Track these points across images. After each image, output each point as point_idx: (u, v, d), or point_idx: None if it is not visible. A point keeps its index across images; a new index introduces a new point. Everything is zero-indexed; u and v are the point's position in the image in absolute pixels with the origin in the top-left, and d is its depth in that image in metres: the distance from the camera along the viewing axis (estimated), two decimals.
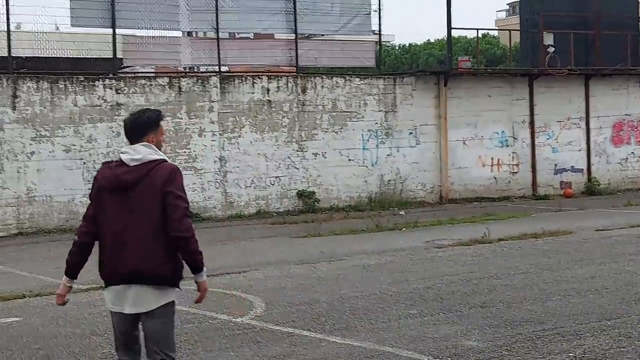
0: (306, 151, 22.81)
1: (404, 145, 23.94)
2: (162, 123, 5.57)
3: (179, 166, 5.54)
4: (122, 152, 5.45)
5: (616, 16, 26.77)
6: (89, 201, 5.59)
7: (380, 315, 9.18)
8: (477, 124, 24.84)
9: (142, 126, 5.46)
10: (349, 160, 23.33)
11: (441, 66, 31.20)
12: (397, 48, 65.44)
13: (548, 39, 25.54)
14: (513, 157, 25.45)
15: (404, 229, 18.04)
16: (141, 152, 5.37)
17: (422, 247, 14.85)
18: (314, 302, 10.07)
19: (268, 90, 22.43)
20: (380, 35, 24.88)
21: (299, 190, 22.65)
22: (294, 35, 23.16)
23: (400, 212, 21.65)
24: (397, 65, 56.27)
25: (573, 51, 25.59)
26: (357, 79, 23.63)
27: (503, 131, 25.28)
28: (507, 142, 25.36)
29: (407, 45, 66.32)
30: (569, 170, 26.22)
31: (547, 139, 25.91)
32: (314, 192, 22.73)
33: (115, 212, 5.32)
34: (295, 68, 23.28)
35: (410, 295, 10.28)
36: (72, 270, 5.52)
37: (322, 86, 23.06)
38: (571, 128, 26.24)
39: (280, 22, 23.23)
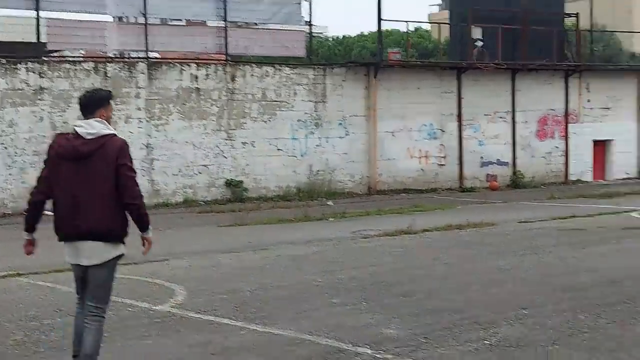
0: (235, 140, 22.71)
1: (333, 136, 24.02)
2: (111, 102, 6.43)
3: None
4: (77, 126, 6.18)
5: (543, 13, 27.24)
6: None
7: (303, 305, 9.18)
8: (406, 115, 25.05)
9: (95, 102, 6.25)
10: (278, 150, 23.30)
11: (372, 58, 31.32)
12: (330, 39, 65.44)
13: (477, 33, 25.89)
14: (441, 150, 25.73)
15: (331, 219, 18.09)
16: (95, 127, 6.14)
17: (348, 238, 14.91)
18: (237, 291, 10.03)
19: (197, 77, 22.26)
20: (310, 25, 24.88)
21: (227, 180, 22.55)
22: (224, 22, 23.01)
23: (329, 203, 21.72)
24: (330, 56, 56.22)
25: (501, 46, 25.95)
26: (287, 69, 23.61)
27: (431, 123, 25.54)
28: (435, 134, 25.63)
29: (341, 37, 66.39)
30: (495, 163, 26.62)
31: (474, 132, 26.25)
32: (242, 182, 22.66)
33: (72, 178, 6.09)
34: (225, 56, 23.13)
35: (334, 285, 10.30)
36: (30, 225, 6.36)
37: (252, 75, 22.98)
38: (498, 122, 26.64)
39: (210, 9, 23.08)
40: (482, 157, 26.43)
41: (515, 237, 14.44)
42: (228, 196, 22.49)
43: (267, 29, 24.39)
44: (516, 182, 26.50)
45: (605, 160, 28.92)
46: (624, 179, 28.52)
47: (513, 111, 26.79)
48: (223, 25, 23.10)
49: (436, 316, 8.47)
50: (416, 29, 61.67)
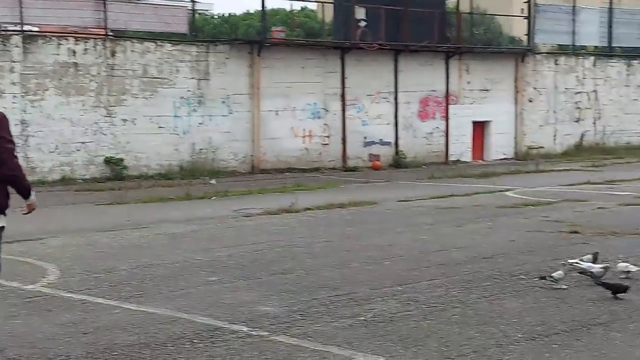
0: (115, 117, 22.24)
1: (216, 114, 23.81)
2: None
3: None
4: None
5: None
6: None
7: (180, 283, 9.07)
8: (290, 94, 25.04)
9: None
10: (160, 127, 22.95)
11: (256, 36, 31.16)
12: (216, 17, 64.83)
13: (360, 13, 26.04)
14: (324, 129, 25.86)
15: (214, 197, 17.95)
16: None
17: (230, 216, 14.82)
18: (113, 270, 9.83)
19: (75, 52, 21.66)
20: (194, 1, 24.54)
21: (107, 157, 22.09)
22: None
23: (212, 181, 21.55)
24: (215, 34, 55.75)
25: (384, 27, 26.21)
26: (169, 45, 23.25)
27: (315, 103, 25.62)
28: (319, 114, 25.73)
29: (227, 14, 65.86)
30: (377, 143, 26.94)
31: (358, 112, 26.48)
32: (122, 159, 22.23)
33: None
34: (104, 30, 22.57)
35: (213, 263, 10.22)
36: None
37: (133, 50, 22.51)
38: (381, 102, 26.94)
39: None
40: (365, 137, 26.69)
41: (395, 216, 14.65)
42: (108, 174, 22.03)
43: (148, 4, 23.93)
44: (398, 162, 26.89)
45: (484, 141, 29.65)
46: (501, 159, 29.32)
47: (396, 92, 27.14)
48: None
49: (313, 293, 8.50)
50: (302, 9, 61.80)
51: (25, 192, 6.53)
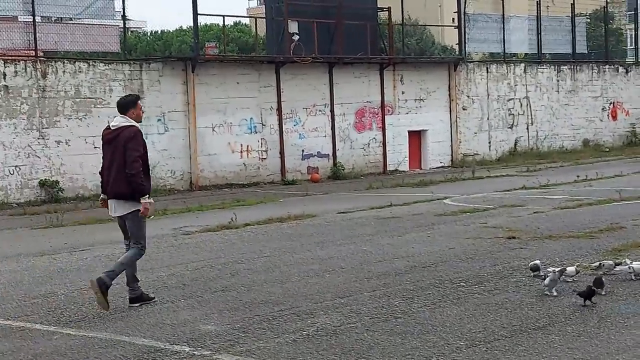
0: (48, 139, 21.90)
1: (152, 132, 23.59)
2: (140, 102, 8.96)
3: None
4: (112, 121, 8.93)
5: (357, 7, 27.83)
6: None
7: (120, 305, 8.96)
8: (226, 110, 24.96)
9: (125, 105, 8.90)
10: (95, 148, 22.55)
11: (190, 53, 31.02)
12: (148, 34, 64.39)
13: (293, 27, 26.10)
14: (262, 144, 25.82)
15: (152, 216, 17.68)
16: (118, 121, 8.83)
17: (169, 235, 14.70)
18: (51, 295, 9.68)
19: (5, 75, 21.28)
20: (125, 19, 24.33)
21: (41, 180, 21.72)
22: (32, 17, 22.09)
23: (149, 200, 21.27)
24: (148, 51, 55.35)
25: (317, 40, 26.32)
26: (102, 64, 23.00)
27: (252, 118, 25.57)
28: (255, 128, 25.68)
29: (159, 31, 65.42)
30: (315, 155, 26.99)
31: (294, 125, 26.51)
32: (57, 182, 21.88)
33: (106, 157, 8.89)
34: (34, 52, 22.22)
35: (153, 283, 10.11)
36: (103, 189, 9.05)
37: (64, 71, 22.22)
38: (317, 115, 27.01)
39: (18, 4, 22.12)
40: (303, 150, 26.73)
41: (335, 228, 14.68)
42: (43, 197, 21.66)
43: (78, 23, 23.62)
44: (337, 174, 26.97)
45: (421, 150, 29.92)
46: (438, 167, 29.59)
47: (332, 104, 27.23)
48: (30, 21, 22.15)
49: (255, 309, 8.47)
50: (236, 24, 61.73)
51: (138, 190, 8.62)
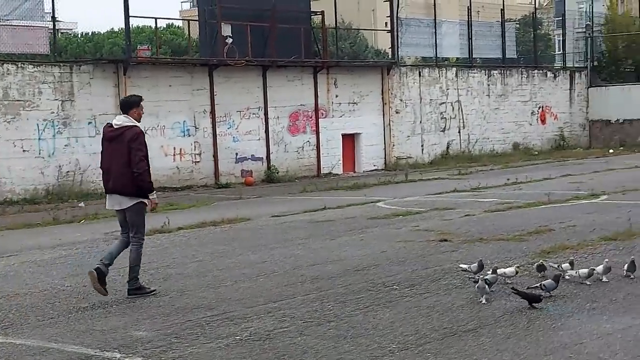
0: None
1: (83, 135, 23.27)
2: (142, 103, 9.53)
3: None
4: (114, 120, 9.44)
5: (291, 10, 27.85)
6: None
7: (49, 311, 8.82)
8: (158, 113, 24.71)
9: (127, 105, 9.48)
10: (24, 151, 22.25)
11: (121, 55, 30.69)
12: (79, 36, 63.49)
13: (226, 30, 25.99)
14: (195, 147, 25.66)
15: (83, 221, 17.53)
16: (120, 120, 9.35)
17: (101, 239, 14.50)
18: None
19: None
20: (54, 21, 23.92)
21: None
22: None
23: (80, 204, 21.02)
24: (79, 53, 54.56)
25: (251, 43, 26.26)
26: (31, 66, 22.59)
27: (185, 121, 25.38)
28: (189, 131, 25.51)
29: (90, 33, 64.56)
30: (249, 159, 26.91)
31: (228, 128, 26.40)
32: None
33: (107, 153, 9.40)
34: None
35: (83, 289, 9.97)
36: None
37: None
38: (251, 118, 26.94)
39: None
40: (236, 153, 26.63)
41: (269, 231, 14.65)
42: None
43: (6, 25, 23.14)
44: (271, 177, 26.93)
45: (355, 153, 30.06)
46: (372, 170, 29.77)
47: (265, 107, 27.19)
48: None
49: (188, 314, 8.41)
50: (168, 26, 61.26)
51: (145, 188, 9.19)
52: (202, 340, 7.39)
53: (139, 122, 9.38)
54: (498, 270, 8.92)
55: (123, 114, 9.39)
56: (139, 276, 9.51)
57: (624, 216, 13.83)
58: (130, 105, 9.42)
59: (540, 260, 9.52)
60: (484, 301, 8.23)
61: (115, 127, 9.29)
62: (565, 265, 9.19)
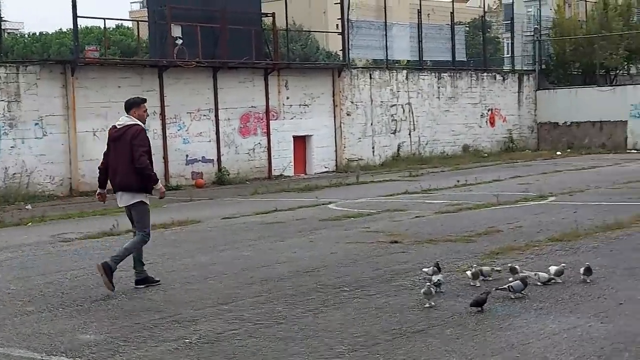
0: None
1: (29, 136, 22.93)
2: (144, 105, 10.01)
3: None
4: (117, 121, 9.98)
5: (241, 12, 27.76)
6: None
7: None
8: (107, 115, 24.35)
9: (128, 105, 9.96)
10: None
11: (69, 55, 30.31)
12: (26, 36, 62.59)
13: (176, 31, 25.82)
14: None
15: (29, 224, 17.27)
16: (123, 120, 9.87)
17: (47, 242, 14.30)
18: None
19: None
20: (0, 20, 23.56)
21: None
22: None
23: (27, 207, 20.70)
24: (26, 53, 53.77)
25: (201, 44, 26.13)
26: None
27: None
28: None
29: (38, 33, 63.68)
30: (200, 160, 26.76)
31: (178, 130, 26.23)
32: None
33: (113, 152, 9.85)
34: None
35: (29, 292, 9.84)
36: (101, 184, 10.23)
37: None
38: (201, 119, 26.79)
39: None
40: (187, 155, 26.45)
41: (219, 233, 14.59)
42: None
43: None
44: (222, 179, 26.80)
45: (306, 155, 30.06)
46: (323, 172, 29.79)
47: (216, 109, 27.05)
48: None
49: (135, 317, 8.33)
50: (118, 27, 60.67)
51: (149, 182, 9.74)
52: (150, 344, 7.33)
53: (142, 122, 9.88)
54: (430, 282, 8.82)
55: (126, 114, 9.89)
56: (146, 271, 10.11)
57: (570, 217, 14.06)
58: (130, 105, 9.92)
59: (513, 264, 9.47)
60: (428, 305, 8.20)
61: (118, 127, 9.83)
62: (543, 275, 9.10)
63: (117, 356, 6.99)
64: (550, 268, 9.15)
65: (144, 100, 10.13)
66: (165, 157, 25.72)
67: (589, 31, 39.41)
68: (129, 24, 61.49)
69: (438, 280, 8.78)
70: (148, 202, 9.90)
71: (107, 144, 9.99)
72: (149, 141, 9.88)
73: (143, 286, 9.81)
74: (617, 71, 40.22)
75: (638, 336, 6.94)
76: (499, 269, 9.58)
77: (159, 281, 10.03)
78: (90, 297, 9.48)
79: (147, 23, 29.12)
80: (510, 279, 8.99)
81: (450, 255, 10.98)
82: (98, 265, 9.68)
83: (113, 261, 9.66)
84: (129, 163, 9.63)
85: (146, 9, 31.22)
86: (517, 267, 9.20)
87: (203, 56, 26.27)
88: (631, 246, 11.28)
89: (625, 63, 40.10)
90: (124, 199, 9.88)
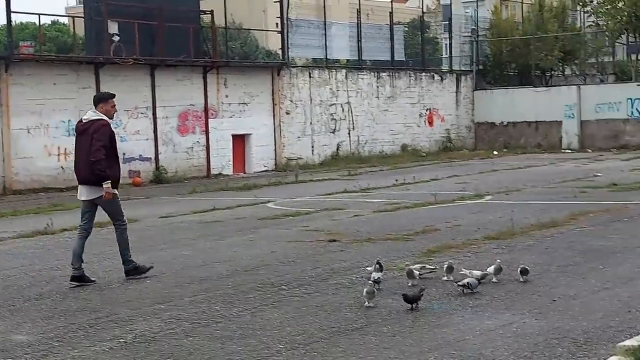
0: None
1: None
2: (112, 100, 10.17)
3: None
4: (84, 115, 10.23)
5: (179, 9, 27.56)
6: None
7: None
8: (42, 112, 24.06)
9: (96, 100, 10.21)
10: None
11: (3, 52, 29.70)
12: None
13: (113, 27, 25.52)
14: None
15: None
16: (89, 115, 10.08)
17: None
18: None
19: None
20: None
21: None
22: None
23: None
24: None
25: (138, 41, 25.86)
26: None
27: (70, 120, 24.67)
28: (74, 131, 24.81)
29: None
30: (137, 159, 26.47)
31: (116, 128, 25.51)
32: None
33: (77, 146, 10.07)
34: None
35: None
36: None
37: None
38: (139, 117, 26.51)
39: None
40: (124, 153, 26.05)
41: (157, 232, 14.46)
42: None
43: None
44: (159, 178, 26.55)
45: (245, 153, 29.96)
46: (262, 171, 29.72)
47: (154, 107, 26.80)
48: None
49: (71, 317, 8.21)
50: (54, 22, 59.78)
51: (98, 177, 9.77)
52: (85, 344, 7.22)
53: (109, 117, 10.05)
54: (372, 280, 8.87)
55: (93, 110, 10.10)
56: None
57: (506, 215, 14.24)
58: (98, 100, 10.18)
59: (450, 262, 9.52)
60: (367, 304, 8.17)
61: (84, 121, 10.03)
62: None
63: (51, 356, 6.87)
64: (489, 269, 9.22)
65: (112, 96, 10.26)
66: None
67: (525, 32, 40.04)
68: (64, 20, 60.57)
69: (378, 278, 8.82)
70: (116, 192, 10.00)
71: (75, 138, 10.23)
72: (112, 137, 9.96)
73: (76, 284, 9.76)
74: (552, 72, 40.93)
75: (570, 332, 7.07)
76: (433, 267, 9.64)
77: (94, 281, 9.96)
78: (23, 296, 9.31)
79: (83, 19, 28.72)
80: (445, 277, 9.09)
81: (389, 254, 11.04)
82: (125, 278, 10.07)
83: (126, 263, 10.14)
84: (88, 157, 9.81)
85: (82, 5, 30.76)
86: (453, 265, 9.29)
87: (140, 53, 26.01)
88: (565, 244, 11.48)
89: (560, 64, 40.82)
90: (84, 193, 10.07)
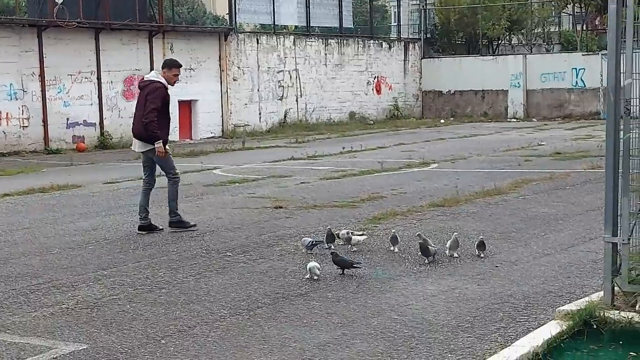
0: None
1: None
2: (177, 69, 10.76)
3: None
4: (148, 73, 11.32)
5: None
6: None
7: None
8: None
9: (163, 64, 10.90)
10: None
11: None
12: None
13: None
14: (23, 111, 24.62)
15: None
16: (151, 75, 10.87)
17: None
18: None
19: None
20: None
21: None
22: None
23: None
24: None
25: (82, 4, 25.39)
26: None
27: (12, 84, 24.29)
28: (16, 95, 24.43)
29: None
30: (81, 124, 26.11)
31: (59, 92, 25.48)
32: None
33: (138, 101, 10.76)
34: None
35: None
36: None
37: None
38: (83, 82, 26.10)
39: None
40: (68, 118, 25.74)
41: (101, 198, 14.29)
42: None
43: None
44: (104, 143, 26.23)
45: (191, 120, 29.70)
46: (209, 137, 29.53)
47: (98, 71, 26.38)
48: None
49: (12, 283, 8.09)
50: None
51: (151, 137, 10.41)
52: (26, 309, 7.13)
53: (170, 84, 10.59)
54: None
55: (157, 71, 10.92)
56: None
57: (451, 183, 14.37)
58: (164, 65, 10.83)
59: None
60: (309, 277, 8.09)
61: (145, 79, 10.78)
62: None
63: None
64: (447, 244, 9.03)
65: (179, 66, 10.78)
66: (44, 121, 25.00)
67: (473, 1, 40.18)
68: None
69: (310, 242, 8.88)
70: (168, 149, 10.69)
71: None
72: (165, 100, 10.52)
73: (145, 232, 10.51)
74: (499, 41, 41.21)
75: (511, 297, 7.17)
76: (360, 233, 9.59)
77: (162, 229, 10.64)
78: None
79: None
80: (392, 248, 9.12)
81: (335, 221, 11.05)
82: (170, 230, 10.59)
83: (172, 214, 10.70)
84: (141, 114, 10.48)
85: None
86: (397, 236, 9.25)
87: (85, 17, 25.56)
88: (508, 211, 11.62)
89: (507, 33, 41.10)
90: (137, 145, 10.75)
